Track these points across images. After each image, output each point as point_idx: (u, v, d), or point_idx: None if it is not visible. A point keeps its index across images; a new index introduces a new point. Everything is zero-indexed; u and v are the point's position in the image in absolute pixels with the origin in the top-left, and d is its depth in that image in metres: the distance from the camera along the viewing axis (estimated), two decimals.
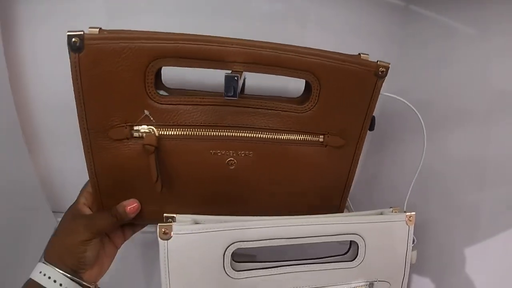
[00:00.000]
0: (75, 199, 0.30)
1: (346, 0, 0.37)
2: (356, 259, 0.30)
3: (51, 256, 0.27)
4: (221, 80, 0.23)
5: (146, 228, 0.34)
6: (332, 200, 0.32)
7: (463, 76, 0.32)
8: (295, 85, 0.30)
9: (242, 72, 0.25)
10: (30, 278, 0.26)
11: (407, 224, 0.31)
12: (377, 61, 0.26)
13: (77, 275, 0.27)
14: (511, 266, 0.26)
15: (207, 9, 0.36)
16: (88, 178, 0.29)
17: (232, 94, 0.23)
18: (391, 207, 0.32)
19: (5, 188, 0.35)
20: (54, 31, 0.35)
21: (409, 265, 0.32)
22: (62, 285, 0.26)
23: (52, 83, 0.37)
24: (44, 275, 0.26)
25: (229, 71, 0.24)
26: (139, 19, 0.36)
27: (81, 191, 0.31)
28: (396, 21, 0.39)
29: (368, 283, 0.31)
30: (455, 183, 0.32)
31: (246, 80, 0.30)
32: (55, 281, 0.26)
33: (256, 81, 0.30)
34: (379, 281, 0.31)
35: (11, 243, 0.37)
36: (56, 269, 0.26)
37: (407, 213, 0.30)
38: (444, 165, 0.33)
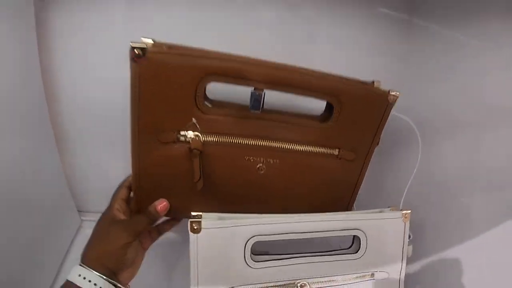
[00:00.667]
0: (108, 204, 0.33)
1: (351, 16, 0.42)
2: (358, 252, 0.35)
3: (90, 260, 0.29)
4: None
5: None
6: (342, 202, 0.37)
7: (459, 89, 0.37)
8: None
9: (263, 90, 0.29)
10: (68, 280, 0.28)
11: (403, 221, 0.35)
12: (389, 91, 0.31)
13: (115, 277, 0.30)
14: (501, 263, 0.31)
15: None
16: (117, 184, 0.32)
17: (257, 108, 0.28)
18: (389, 207, 0.36)
19: (34, 187, 0.37)
20: (84, 42, 0.38)
21: (406, 257, 0.36)
22: (101, 286, 0.28)
23: (82, 89, 0.40)
24: (84, 278, 0.28)
25: (253, 89, 0.28)
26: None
27: (114, 198, 0.33)
28: (399, 34, 0.43)
29: (370, 273, 0.35)
30: (447, 187, 0.38)
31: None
32: (95, 284, 0.28)
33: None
34: (379, 271, 0.35)
35: (38, 239, 0.38)
36: (95, 272, 0.28)
37: (403, 211, 0.36)
38: (438, 171, 0.39)
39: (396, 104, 0.32)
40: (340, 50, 0.42)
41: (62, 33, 0.38)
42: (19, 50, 0.33)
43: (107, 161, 0.36)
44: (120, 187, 0.34)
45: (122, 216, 0.32)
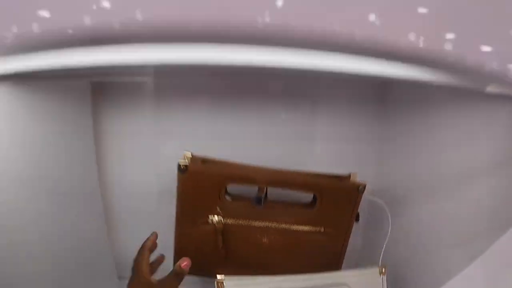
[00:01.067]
0: (133, 268, 0.37)
1: (332, 114, 0.54)
2: None
3: None
4: None
5: None
6: (332, 266, 0.47)
7: (423, 164, 0.48)
8: None
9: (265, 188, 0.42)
10: None
11: (380, 275, 0.46)
12: (358, 183, 0.43)
13: None
14: None
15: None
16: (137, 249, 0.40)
17: (258, 204, 0.41)
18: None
19: (83, 255, 0.47)
20: (134, 144, 0.53)
21: None
22: None
23: (131, 179, 0.54)
24: None
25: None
26: None
27: (141, 263, 0.37)
28: (372, 124, 0.54)
29: None
30: (418, 246, 0.48)
31: None
32: None
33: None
34: None
35: None
36: None
37: (380, 267, 0.46)
38: (409, 234, 0.49)
39: (371, 186, 0.44)
40: (326, 145, 0.55)
41: (114, 135, 0.51)
42: (78, 146, 0.45)
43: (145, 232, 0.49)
44: (143, 250, 0.39)
45: (153, 279, 0.36)
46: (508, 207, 0.36)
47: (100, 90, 0.48)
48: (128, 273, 0.38)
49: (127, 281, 0.37)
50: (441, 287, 0.39)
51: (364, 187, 0.43)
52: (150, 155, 0.51)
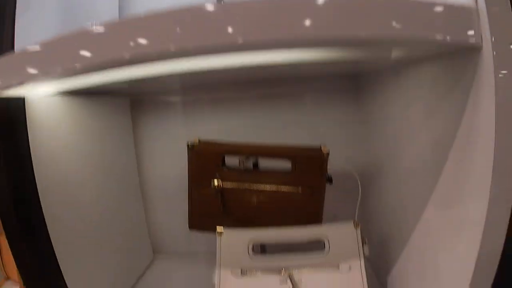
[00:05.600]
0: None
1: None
2: (325, 251, 0.53)
3: None
4: None
5: None
6: (312, 223, 0.57)
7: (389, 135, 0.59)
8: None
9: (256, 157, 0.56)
10: None
11: (355, 228, 0.54)
12: (322, 148, 0.55)
13: None
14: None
15: None
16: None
17: (249, 171, 0.55)
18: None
19: (124, 231, 0.65)
20: (163, 141, 0.71)
21: (363, 256, 0.53)
22: None
23: (161, 166, 0.72)
24: None
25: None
26: None
27: None
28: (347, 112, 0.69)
29: (336, 265, 0.53)
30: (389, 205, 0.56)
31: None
32: None
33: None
34: (343, 264, 0.53)
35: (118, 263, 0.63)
36: None
37: (354, 221, 0.54)
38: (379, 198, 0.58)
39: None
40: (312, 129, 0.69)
41: (149, 135, 0.71)
42: (121, 141, 0.65)
43: (174, 214, 0.64)
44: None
45: None
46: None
47: (139, 103, 0.68)
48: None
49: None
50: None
51: (328, 152, 0.55)
52: (177, 153, 0.69)
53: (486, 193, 0.31)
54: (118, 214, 0.62)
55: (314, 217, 0.57)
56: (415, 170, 0.50)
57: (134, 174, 0.69)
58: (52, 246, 0.41)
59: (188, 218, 0.59)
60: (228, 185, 0.56)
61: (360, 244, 0.54)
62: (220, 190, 0.55)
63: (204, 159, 0.56)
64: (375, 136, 0.64)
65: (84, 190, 0.53)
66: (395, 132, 0.57)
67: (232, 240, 0.55)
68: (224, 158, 0.57)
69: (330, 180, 0.57)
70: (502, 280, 0.36)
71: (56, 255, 0.41)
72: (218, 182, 0.56)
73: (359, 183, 0.57)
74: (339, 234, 0.54)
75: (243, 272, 0.53)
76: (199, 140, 0.57)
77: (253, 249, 0.54)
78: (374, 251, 0.56)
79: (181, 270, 0.69)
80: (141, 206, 0.71)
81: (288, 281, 0.52)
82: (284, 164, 0.57)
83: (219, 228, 0.55)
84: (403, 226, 0.53)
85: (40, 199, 0.40)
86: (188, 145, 0.56)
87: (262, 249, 0.57)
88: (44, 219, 0.40)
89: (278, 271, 0.53)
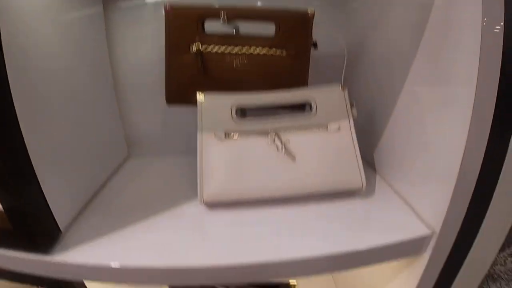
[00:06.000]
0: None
1: None
2: (312, 112, 0.51)
3: None
4: None
5: None
6: (297, 84, 0.55)
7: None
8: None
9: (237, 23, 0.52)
10: None
11: (341, 90, 0.52)
12: (308, 10, 0.52)
13: None
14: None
15: None
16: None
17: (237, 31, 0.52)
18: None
19: (98, 130, 0.59)
20: (134, 29, 0.65)
21: (352, 117, 0.52)
22: None
23: (134, 61, 0.66)
24: None
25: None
26: None
27: None
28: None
29: (325, 125, 0.51)
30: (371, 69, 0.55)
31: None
32: None
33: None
34: (331, 124, 0.51)
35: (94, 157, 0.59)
36: None
37: (342, 86, 0.52)
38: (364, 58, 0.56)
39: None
40: None
41: (120, 27, 0.65)
42: (93, 40, 0.59)
43: (151, 113, 0.59)
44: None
45: None
46: None
47: None
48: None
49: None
50: None
51: (313, 13, 0.52)
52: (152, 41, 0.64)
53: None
54: (91, 106, 0.57)
55: (299, 81, 0.54)
56: (403, 39, 0.49)
57: (106, 64, 0.64)
58: (24, 143, 0.36)
59: (166, 91, 0.55)
60: (208, 48, 0.52)
61: (349, 106, 0.52)
62: (200, 54, 0.52)
63: (183, 22, 0.52)
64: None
65: (56, 78, 0.48)
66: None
67: (214, 104, 0.51)
68: (203, 23, 0.53)
69: (315, 45, 0.54)
70: (492, 161, 0.36)
71: (28, 152, 0.37)
72: (197, 45, 0.52)
73: (345, 49, 0.55)
74: (327, 96, 0.52)
75: (227, 136, 0.50)
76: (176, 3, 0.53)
77: (236, 114, 0.51)
78: (361, 118, 0.55)
79: (156, 168, 0.65)
80: (114, 98, 0.65)
81: (277, 140, 0.49)
82: (268, 29, 0.54)
83: (200, 94, 0.51)
84: (390, 99, 0.52)
85: (12, 93, 0.35)
86: (165, 7, 0.51)
87: (242, 115, 0.54)
88: (16, 114, 0.35)
89: (264, 133, 0.50)
